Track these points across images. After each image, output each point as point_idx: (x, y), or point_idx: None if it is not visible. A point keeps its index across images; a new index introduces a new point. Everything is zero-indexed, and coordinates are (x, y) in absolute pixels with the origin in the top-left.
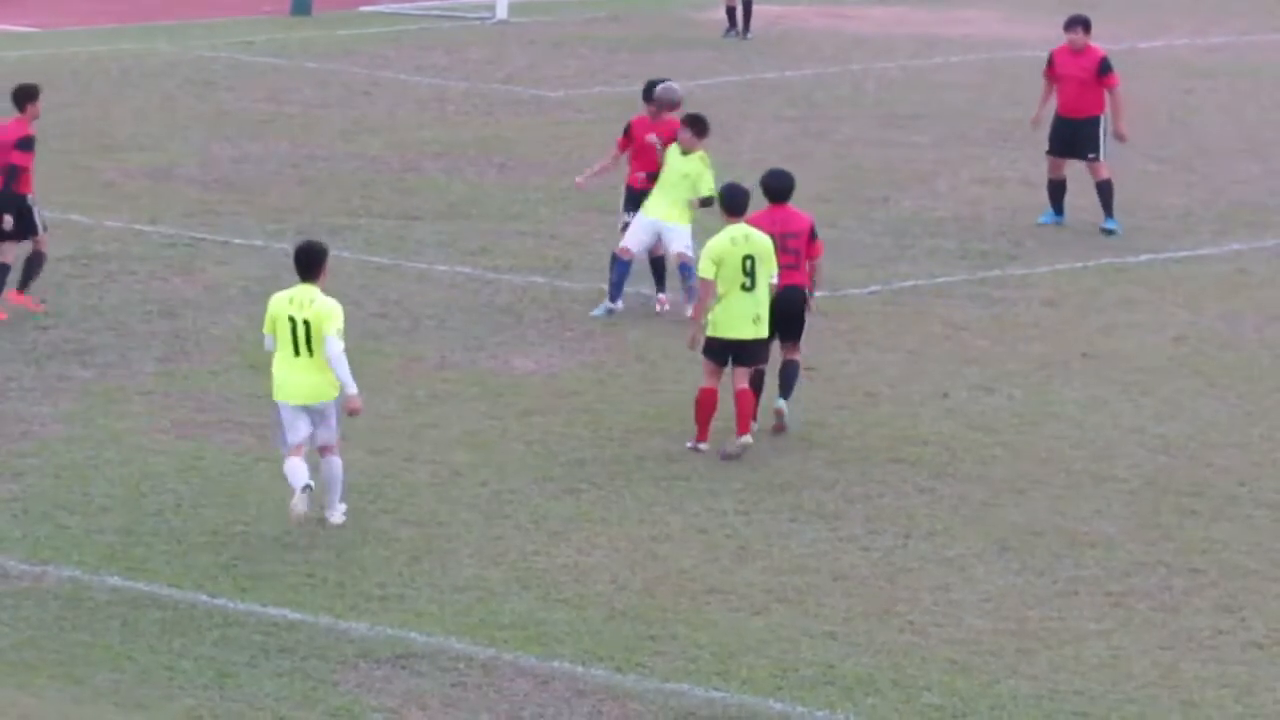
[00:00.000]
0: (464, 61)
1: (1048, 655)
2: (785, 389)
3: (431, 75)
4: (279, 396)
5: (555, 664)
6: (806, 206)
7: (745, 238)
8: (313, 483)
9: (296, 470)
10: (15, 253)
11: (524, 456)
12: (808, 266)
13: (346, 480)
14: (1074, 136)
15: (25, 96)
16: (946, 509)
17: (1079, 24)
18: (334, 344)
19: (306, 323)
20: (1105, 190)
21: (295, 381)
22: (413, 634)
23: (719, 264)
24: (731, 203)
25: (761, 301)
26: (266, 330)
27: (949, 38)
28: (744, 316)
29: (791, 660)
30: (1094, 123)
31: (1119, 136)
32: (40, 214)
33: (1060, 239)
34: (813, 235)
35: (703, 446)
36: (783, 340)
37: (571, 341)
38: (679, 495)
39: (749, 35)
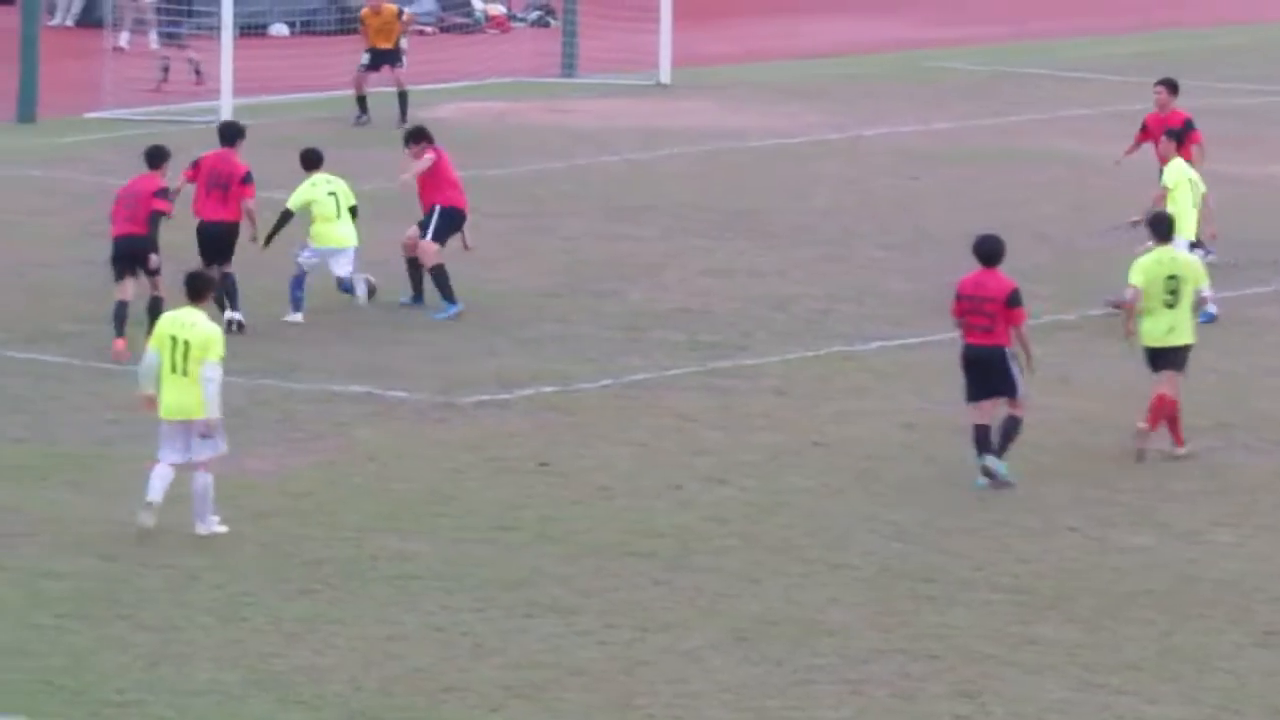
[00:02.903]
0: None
1: None
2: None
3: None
4: (160, 413)
5: None
6: (534, 301)
7: (1171, 259)
8: (155, 500)
9: (151, 482)
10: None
11: (259, 558)
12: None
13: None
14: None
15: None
16: (682, 601)
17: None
18: (209, 368)
19: (186, 343)
20: (435, 275)
21: (167, 399)
22: None
23: (1145, 276)
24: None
25: (1178, 314)
26: (152, 346)
27: (671, 129)
28: (1159, 328)
29: None
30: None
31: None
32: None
33: (790, 329)
34: (1010, 302)
35: (1180, 451)
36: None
37: (301, 442)
38: (414, 594)
39: (405, 124)
